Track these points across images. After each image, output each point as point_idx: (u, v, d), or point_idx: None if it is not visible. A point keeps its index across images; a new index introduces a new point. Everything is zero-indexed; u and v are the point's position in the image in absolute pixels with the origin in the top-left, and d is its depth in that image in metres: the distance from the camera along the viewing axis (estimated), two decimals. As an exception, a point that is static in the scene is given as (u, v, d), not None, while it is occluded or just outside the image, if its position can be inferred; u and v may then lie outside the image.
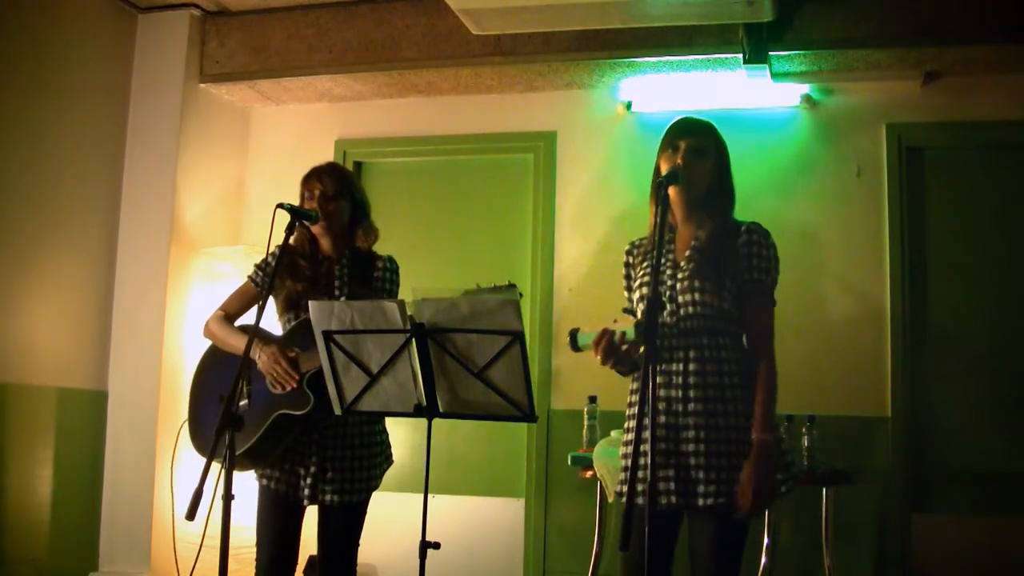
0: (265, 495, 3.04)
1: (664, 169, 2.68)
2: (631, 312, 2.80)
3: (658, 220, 2.49)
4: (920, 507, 4.48)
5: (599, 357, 2.55)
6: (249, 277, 3.19)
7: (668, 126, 2.78)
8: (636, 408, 2.69)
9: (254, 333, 2.74)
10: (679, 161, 2.66)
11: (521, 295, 2.72)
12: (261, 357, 2.93)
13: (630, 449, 2.69)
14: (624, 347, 2.52)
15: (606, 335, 2.51)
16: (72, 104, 4.64)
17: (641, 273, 2.76)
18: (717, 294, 2.62)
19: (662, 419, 2.59)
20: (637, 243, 2.86)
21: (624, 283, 2.86)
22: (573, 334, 2.59)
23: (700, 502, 2.54)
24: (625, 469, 2.73)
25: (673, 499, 2.56)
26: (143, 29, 5.01)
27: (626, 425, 2.78)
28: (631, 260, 2.84)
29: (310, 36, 4.93)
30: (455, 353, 2.54)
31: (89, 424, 4.74)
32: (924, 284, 4.63)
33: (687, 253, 2.70)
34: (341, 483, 2.97)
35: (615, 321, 2.57)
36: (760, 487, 2.51)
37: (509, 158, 5.27)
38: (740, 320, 2.67)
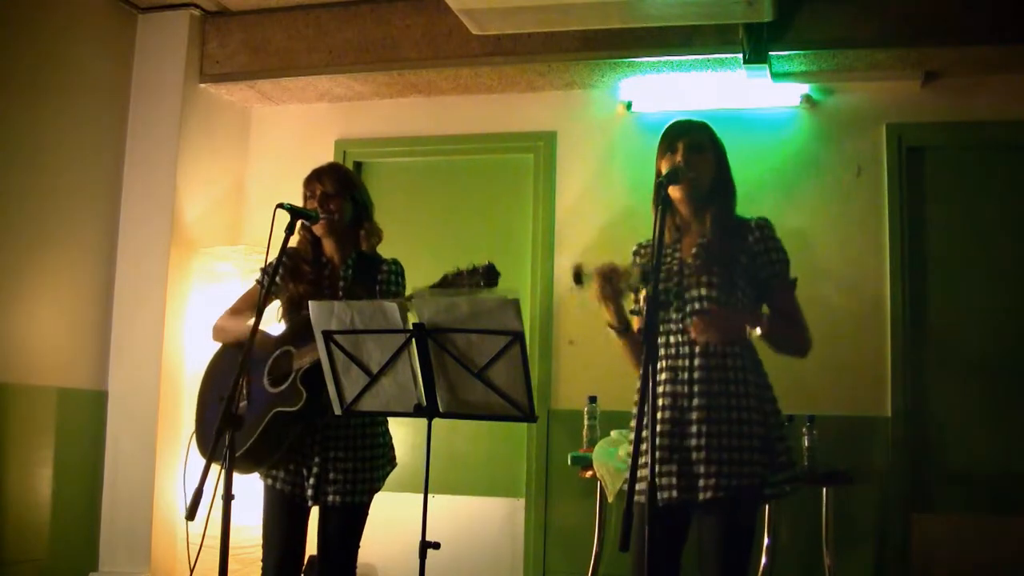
0: (271, 495, 3.03)
1: (664, 171, 2.69)
2: (638, 313, 2.78)
3: (658, 219, 2.48)
4: (920, 507, 4.48)
5: (597, 288, 2.62)
6: (256, 280, 3.19)
7: (663, 130, 2.78)
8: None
9: (252, 335, 2.73)
10: (679, 159, 2.67)
11: (494, 268, 2.69)
12: None
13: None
14: (624, 286, 2.61)
15: (610, 266, 2.61)
16: (72, 104, 4.64)
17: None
18: (725, 291, 2.63)
19: (667, 415, 2.59)
20: (645, 244, 2.86)
21: None
22: (578, 267, 2.64)
23: (701, 496, 2.54)
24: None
25: (675, 493, 2.55)
26: (143, 29, 5.01)
27: (633, 423, 2.76)
28: (641, 262, 2.83)
29: (310, 36, 4.93)
30: (455, 353, 2.54)
31: (89, 424, 4.74)
32: (924, 284, 4.62)
33: (694, 251, 2.70)
34: (343, 484, 2.96)
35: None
36: (721, 321, 2.58)
37: (509, 158, 5.27)
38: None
